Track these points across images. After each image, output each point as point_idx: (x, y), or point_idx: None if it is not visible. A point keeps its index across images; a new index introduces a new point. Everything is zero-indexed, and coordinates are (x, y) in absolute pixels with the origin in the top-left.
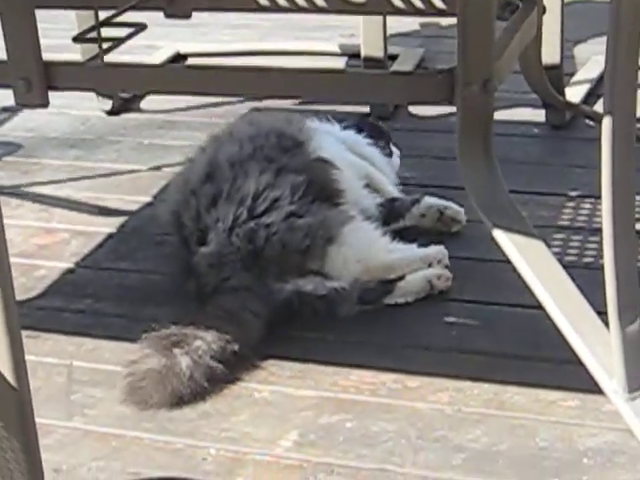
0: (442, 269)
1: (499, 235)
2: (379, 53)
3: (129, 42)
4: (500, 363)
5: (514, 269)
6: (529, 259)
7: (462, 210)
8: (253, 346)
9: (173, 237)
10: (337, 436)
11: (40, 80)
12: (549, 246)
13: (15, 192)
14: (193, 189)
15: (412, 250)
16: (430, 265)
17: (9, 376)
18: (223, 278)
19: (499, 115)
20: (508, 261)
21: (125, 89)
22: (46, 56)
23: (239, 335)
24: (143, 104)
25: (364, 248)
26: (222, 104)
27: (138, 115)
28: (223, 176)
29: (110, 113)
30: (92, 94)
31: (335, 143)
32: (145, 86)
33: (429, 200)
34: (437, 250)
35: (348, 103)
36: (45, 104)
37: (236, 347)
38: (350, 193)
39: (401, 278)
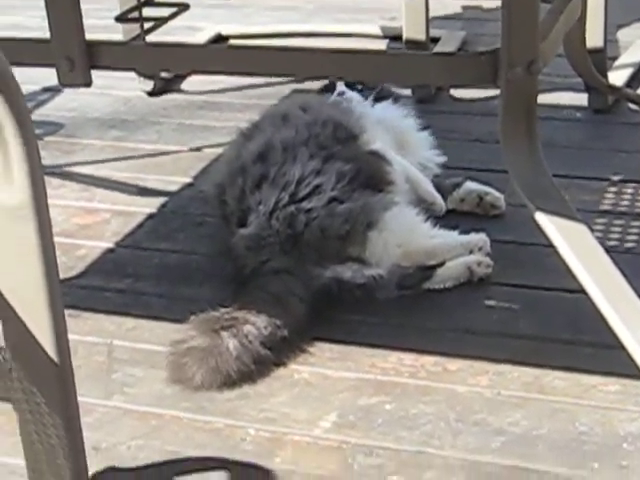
0: (483, 256)
1: (542, 218)
2: (421, 36)
3: (170, 23)
4: (541, 347)
5: (556, 253)
6: (572, 243)
7: (502, 197)
8: (298, 330)
9: (214, 215)
10: (376, 418)
11: (83, 60)
12: (591, 230)
13: (57, 172)
14: (243, 166)
15: (453, 237)
16: (471, 252)
17: (51, 353)
18: (261, 261)
19: (541, 99)
20: (550, 245)
21: (167, 69)
22: (89, 36)
23: (287, 319)
24: (184, 85)
25: (405, 233)
26: (262, 85)
27: (179, 96)
28: (274, 159)
29: (151, 94)
30: (133, 75)
31: (386, 138)
32: (187, 66)
33: (470, 185)
34: (478, 237)
35: (390, 85)
36: (88, 83)
37: (285, 333)
38: (399, 187)
39: (441, 264)
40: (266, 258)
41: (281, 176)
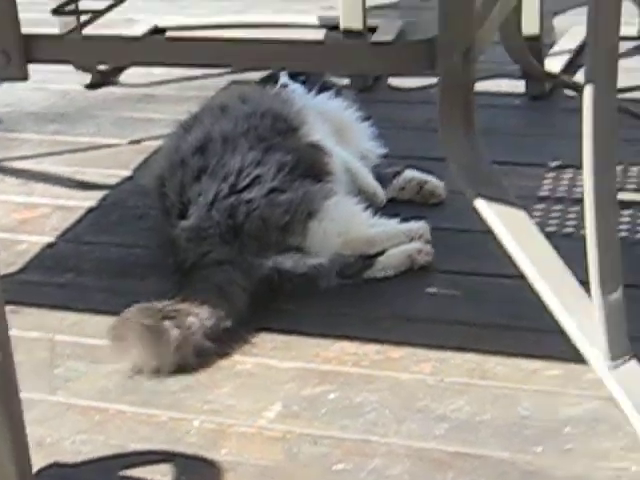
0: (423, 244)
1: (481, 205)
2: (358, 25)
3: (107, 16)
4: (482, 333)
5: (495, 240)
6: (511, 229)
7: (441, 184)
8: (241, 320)
9: (155, 207)
10: (320, 407)
11: (19, 53)
12: (531, 216)
13: None
14: (182, 159)
15: (393, 225)
16: (412, 240)
17: None
18: (202, 253)
19: (479, 86)
20: (489, 232)
21: (104, 61)
22: (25, 30)
23: (229, 310)
24: (122, 78)
25: (345, 222)
26: (201, 77)
27: (117, 89)
28: (214, 151)
29: (89, 87)
30: (71, 68)
31: (326, 130)
32: (124, 58)
33: (409, 173)
34: (419, 225)
35: (329, 75)
36: (24, 77)
37: (229, 324)
38: (338, 177)
39: (381, 253)
40: (207, 250)
41: (220, 167)
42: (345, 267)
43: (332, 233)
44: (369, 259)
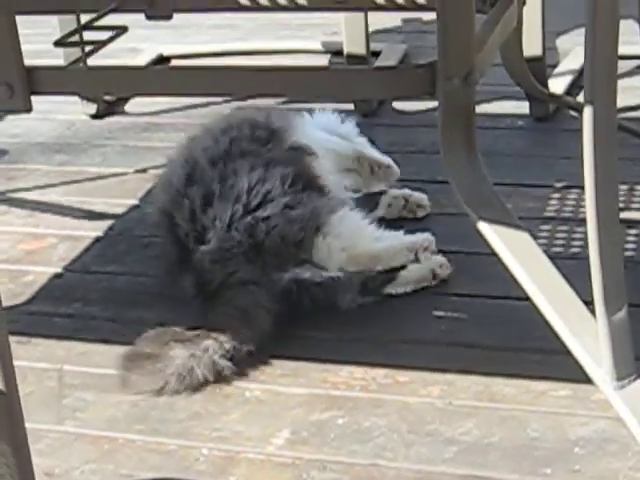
0: (440, 257)
1: (484, 228)
2: (361, 50)
3: (112, 46)
4: (490, 355)
5: (500, 261)
6: (515, 251)
7: (425, 196)
8: (262, 343)
9: (164, 238)
10: (329, 433)
11: (22, 85)
12: (535, 237)
13: (1, 198)
14: (179, 189)
15: (399, 238)
16: (417, 253)
17: None
18: (229, 273)
19: (483, 108)
20: (494, 254)
21: (109, 92)
22: (28, 61)
23: (253, 333)
24: (127, 107)
25: (349, 237)
26: (207, 105)
27: (123, 118)
28: (207, 175)
29: (95, 117)
30: (76, 98)
31: (311, 127)
32: (129, 89)
33: (393, 191)
34: (424, 237)
35: (332, 100)
36: (28, 109)
37: (252, 347)
38: (326, 179)
39: (403, 267)
40: (233, 269)
41: (229, 189)
42: (367, 280)
43: (336, 248)
44: (392, 273)
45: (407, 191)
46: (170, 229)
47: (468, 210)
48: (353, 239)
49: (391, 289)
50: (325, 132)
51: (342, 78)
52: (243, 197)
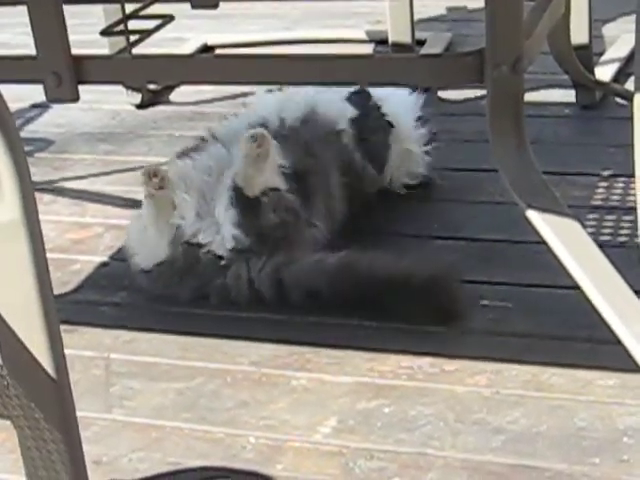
0: None
1: (533, 215)
2: (406, 38)
3: (157, 35)
4: (537, 344)
5: (548, 250)
6: (564, 239)
7: None
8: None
9: None
10: (375, 421)
11: (70, 74)
12: (582, 226)
13: (48, 188)
14: None
15: None
16: None
17: (48, 368)
18: None
19: (529, 97)
20: (542, 242)
21: (154, 81)
22: (75, 51)
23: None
24: (172, 96)
25: None
26: (250, 94)
27: (167, 108)
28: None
29: (139, 107)
30: (121, 88)
31: None
32: (174, 77)
33: None
34: None
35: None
36: (75, 99)
37: None
38: None
39: None
40: None
41: None
42: None
43: None
44: None
45: None
46: None
47: (517, 198)
48: None
49: None
50: None
51: (389, 66)
52: None
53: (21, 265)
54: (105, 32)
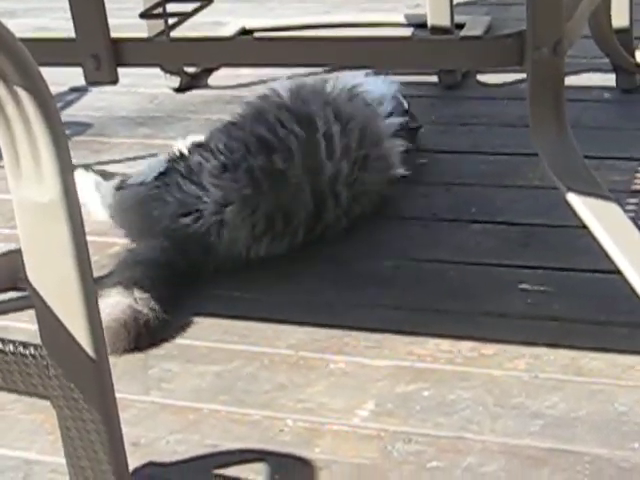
0: None
1: (574, 199)
2: (445, 22)
3: (194, 19)
4: (577, 329)
5: (588, 234)
6: (604, 223)
7: None
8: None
9: None
10: (414, 405)
11: (109, 57)
12: (624, 210)
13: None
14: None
15: None
16: None
17: (88, 348)
18: None
19: (569, 80)
20: (581, 226)
21: (193, 63)
22: (113, 34)
23: None
24: (210, 80)
25: None
26: (290, 77)
27: (206, 91)
28: None
29: (178, 90)
30: (159, 72)
31: None
32: (212, 59)
33: None
34: None
35: (416, 71)
36: (115, 81)
37: None
38: None
39: None
40: None
41: None
42: None
43: None
44: None
45: None
46: None
47: (557, 182)
48: None
49: None
50: None
51: (429, 48)
52: None
53: (61, 245)
54: (144, 14)
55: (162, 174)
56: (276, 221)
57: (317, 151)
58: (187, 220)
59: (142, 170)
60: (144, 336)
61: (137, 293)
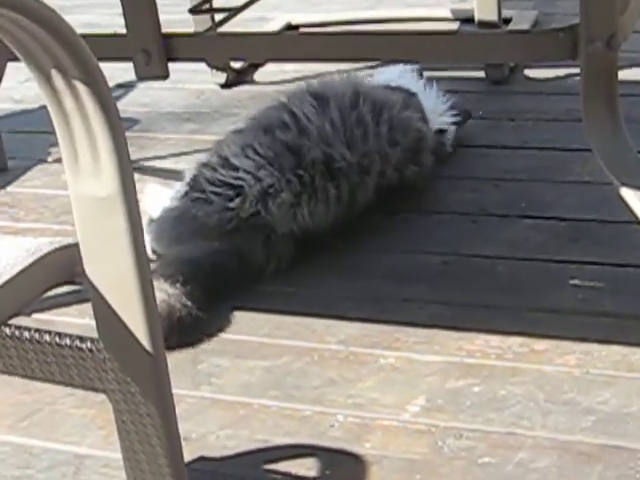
0: None
1: (628, 195)
2: (493, 16)
3: (242, 15)
4: (628, 325)
5: (639, 231)
6: None
7: None
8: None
9: None
10: (464, 400)
11: (159, 51)
12: None
13: (134, 166)
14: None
15: None
16: None
17: (145, 342)
18: None
19: (620, 75)
20: (633, 222)
21: (241, 58)
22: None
23: None
24: (256, 76)
25: None
26: (334, 73)
27: (252, 87)
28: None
29: (224, 86)
30: (206, 68)
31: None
32: (260, 54)
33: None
34: None
35: (463, 66)
36: (166, 76)
37: None
38: None
39: None
40: None
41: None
42: None
43: None
44: None
45: None
46: None
47: (611, 177)
48: None
49: None
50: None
51: (478, 42)
52: None
53: (118, 239)
54: (194, 10)
55: (189, 187)
56: (316, 182)
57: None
58: (234, 203)
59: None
60: (175, 331)
61: (171, 289)
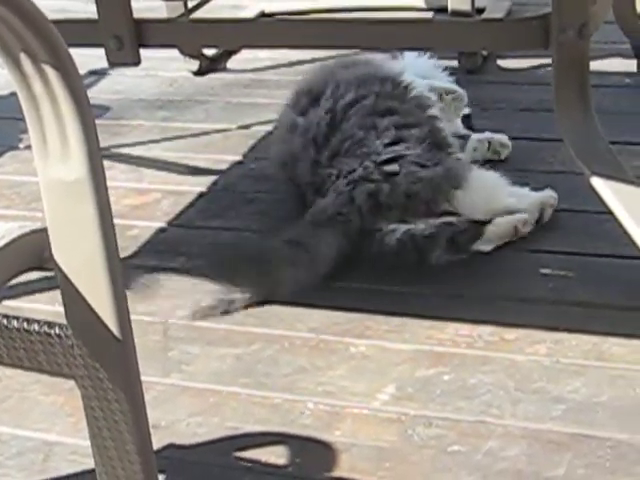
0: (527, 215)
1: (598, 184)
2: (466, 6)
3: (214, 2)
4: (598, 314)
5: (611, 220)
6: (629, 207)
7: (506, 136)
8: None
9: (283, 182)
10: (434, 389)
11: (131, 38)
12: None
13: (105, 154)
14: (315, 137)
15: (529, 195)
16: (543, 210)
17: (113, 328)
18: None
19: (590, 66)
20: (603, 212)
21: (214, 45)
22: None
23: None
24: (229, 64)
25: (489, 192)
26: (308, 61)
27: (225, 75)
28: (346, 129)
29: (197, 73)
30: (178, 55)
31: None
32: (234, 40)
33: (476, 135)
34: (550, 194)
35: (438, 53)
36: (137, 62)
37: None
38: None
39: (489, 222)
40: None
41: (359, 146)
42: (455, 236)
43: (478, 202)
44: (479, 227)
45: (488, 134)
46: (290, 175)
47: (582, 166)
48: (492, 194)
49: (479, 245)
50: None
51: (451, 30)
52: (373, 156)
53: (87, 224)
54: None
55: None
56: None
57: None
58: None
59: None
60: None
61: None
